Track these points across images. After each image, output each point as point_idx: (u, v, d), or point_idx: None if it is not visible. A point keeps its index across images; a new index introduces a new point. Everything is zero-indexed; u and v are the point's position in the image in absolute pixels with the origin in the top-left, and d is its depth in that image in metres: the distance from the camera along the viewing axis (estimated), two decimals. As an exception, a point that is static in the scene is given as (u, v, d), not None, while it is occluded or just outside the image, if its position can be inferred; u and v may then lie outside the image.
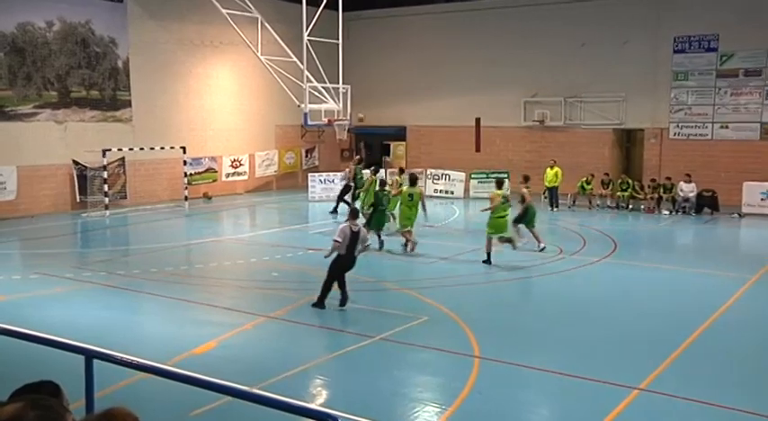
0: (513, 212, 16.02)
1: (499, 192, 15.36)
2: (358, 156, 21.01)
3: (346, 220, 11.45)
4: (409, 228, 16.11)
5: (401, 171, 20.41)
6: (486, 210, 15.54)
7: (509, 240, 15.35)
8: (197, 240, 18.51)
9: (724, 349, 9.54)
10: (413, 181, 16.88)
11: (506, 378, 8.42)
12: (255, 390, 3.40)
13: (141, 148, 23.31)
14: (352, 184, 21.91)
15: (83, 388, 4.09)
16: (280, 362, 8.74)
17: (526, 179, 17.21)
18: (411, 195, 16.25)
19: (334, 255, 11.08)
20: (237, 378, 7.11)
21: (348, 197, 21.84)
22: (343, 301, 11.12)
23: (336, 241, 10.99)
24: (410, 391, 8.04)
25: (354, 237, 11.00)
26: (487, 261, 14.70)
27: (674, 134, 25.88)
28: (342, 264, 11.10)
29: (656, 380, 8.16)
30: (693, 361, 9.05)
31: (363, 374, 8.59)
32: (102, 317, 10.95)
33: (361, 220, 15.12)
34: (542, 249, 15.98)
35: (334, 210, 21.85)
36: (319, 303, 11.10)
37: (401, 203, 16.40)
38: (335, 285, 11.17)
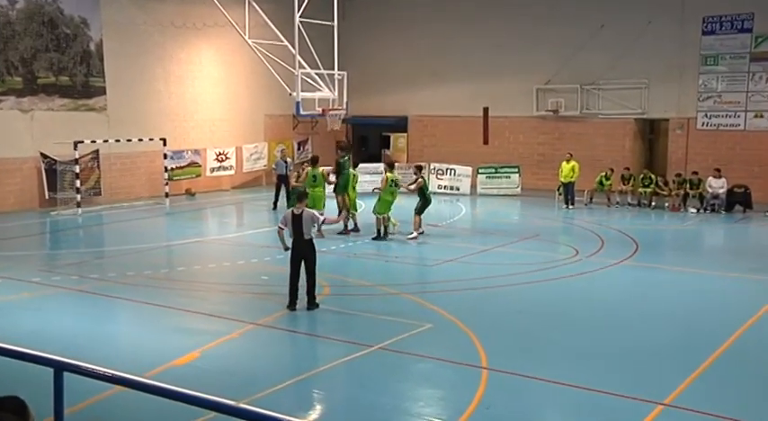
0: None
1: (389, 175, 17.73)
2: (294, 177, 20.85)
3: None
4: (321, 209, 17.58)
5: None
6: (376, 189, 18.00)
7: (387, 220, 17.63)
8: (179, 241, 18.52)
9: (757, 361, 9.52)
10: (314, 161, 18.56)
11: (516, 391, 8.41)
12: (243, 405, 3.38)
13: (117, 140, 23.30)
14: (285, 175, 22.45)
15: (51, 403, 4.07)
16: (269, 374, 8.74)
17: (419, 169, 18.86)
18: (315, 176, 17.97)
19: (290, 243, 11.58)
20: (223, 391, 7.08)
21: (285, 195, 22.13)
22: (292, 304, 11.44)
23: (280, 227, 11.73)
24: (412, 406, 8.04)
25: (297, 220, 11.39)
26: (378, 237, 17.24)
27: (703, 124, 25.87)
28: (296, 251, 11.45)
29: (682, 395, 8.15)
30: (723, 374, 9.04)
31: (361, 387, 8.61)
32: (74, 326, 10.96)
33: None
34: (394, 235, 17.55)
35: (275, 206, 22.60)
36: (290, 304, 11.46)
37: (306, 185, 17.69)
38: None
